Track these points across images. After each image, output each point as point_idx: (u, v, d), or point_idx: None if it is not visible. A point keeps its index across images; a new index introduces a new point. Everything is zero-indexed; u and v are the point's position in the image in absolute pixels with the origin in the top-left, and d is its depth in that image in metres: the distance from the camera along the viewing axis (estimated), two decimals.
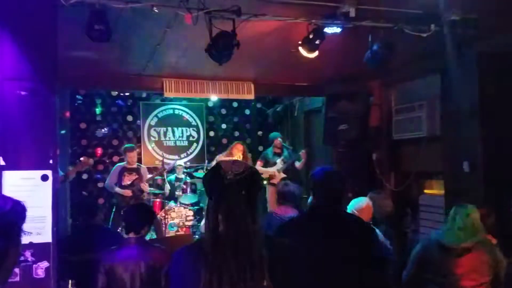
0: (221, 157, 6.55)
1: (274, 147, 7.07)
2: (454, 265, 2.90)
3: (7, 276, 1.29)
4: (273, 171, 6.89)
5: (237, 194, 1.45)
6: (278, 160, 6.95)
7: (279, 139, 7.09)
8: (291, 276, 1.47)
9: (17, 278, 2.78)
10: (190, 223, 7.21)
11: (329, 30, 3.77)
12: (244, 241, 1.41)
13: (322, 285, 2.08)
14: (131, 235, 3.04)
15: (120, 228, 6.70)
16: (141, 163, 7.00)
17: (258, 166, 7.07)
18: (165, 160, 7.42)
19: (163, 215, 6.91)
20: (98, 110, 8.08)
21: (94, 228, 3.61)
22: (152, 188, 7.08)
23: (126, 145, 6.55)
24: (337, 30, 3.78)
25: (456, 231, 2.91)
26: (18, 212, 1.30)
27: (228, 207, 1.44)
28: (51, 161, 2.92)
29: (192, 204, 7.46)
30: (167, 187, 7.11)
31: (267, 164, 7.04)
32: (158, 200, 7.22)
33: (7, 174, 2.80)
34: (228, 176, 1.46)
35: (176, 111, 8.62)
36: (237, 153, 6.42)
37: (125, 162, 6.37)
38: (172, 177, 7.51)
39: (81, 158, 5.85)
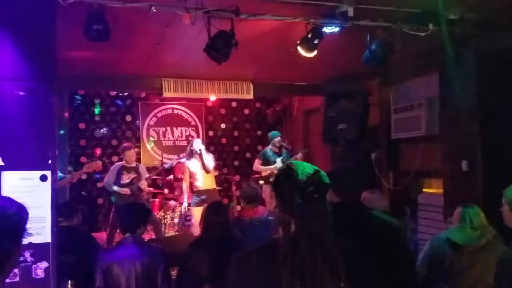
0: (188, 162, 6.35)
1: (273, 146, 7.05)
2: (469, 263, 2.93)
3: (6, 277, 1.29)
4: (272, 168, 6.84)
5: (311, 196, 1.45)
6: (278, 160, 6.94)
7: (278, 138, 7.07)
8: (362, 276, 1.48)
9: (17, 278, 2.78)
10: (189, 223, 7.21)
11: (327, 29, 3.77)
12: (319, 243, 1.41)
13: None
14: (127, 235, 3.04)
15: (119, 229, 6.72)
16: (140, 163, 7.00)
17: (257, 164, 7.07)
18: (164, 160, 7.43)
19: (162, 215, 6.91)
20: (97, 110, 8.08)
21: (70, 231, 3.56)
22: (151, 188, 7.10)
23: (124, 145, 6.56)
24: (336, 29, 3.77)
25: (470, 230, 2.95)
26: (23, 214, 1.31)
27: (303, 209, 1.43)
28: (50, 162, 2.92)
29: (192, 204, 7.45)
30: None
31: (266, 163, 7.02)
32: (157, 200, 7.23)
33: (6, 174, 2.80)
34: (301, 178, 1.46)
35: (175, 111, 8.62)
36: (197, 146, 6.21)
37: (123, 161, 6.37)
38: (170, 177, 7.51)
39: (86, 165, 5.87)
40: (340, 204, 2.31)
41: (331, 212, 1.49)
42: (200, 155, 6.18)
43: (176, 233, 6.94)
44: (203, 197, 6.20)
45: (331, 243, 1.43)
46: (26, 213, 1.32)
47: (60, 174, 5.35)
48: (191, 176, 6.31)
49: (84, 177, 7.75)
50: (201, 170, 6.23)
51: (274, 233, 1.53)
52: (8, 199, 1.34)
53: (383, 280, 2.11)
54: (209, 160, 6.26)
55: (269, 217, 3.78)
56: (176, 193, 7.42)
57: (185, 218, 7.19)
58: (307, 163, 1.58)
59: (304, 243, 1.40)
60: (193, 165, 6.27)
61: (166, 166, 7.18)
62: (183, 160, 8.18)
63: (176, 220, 7.09)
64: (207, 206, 3.50)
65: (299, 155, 6.97)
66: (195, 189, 6.37)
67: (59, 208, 3.84)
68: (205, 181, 6.26)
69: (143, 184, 6.29)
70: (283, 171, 1.54)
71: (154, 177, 7.09)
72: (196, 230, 6.08)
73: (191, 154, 6.32)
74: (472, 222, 2.96)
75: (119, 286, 2.86)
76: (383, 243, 2.22)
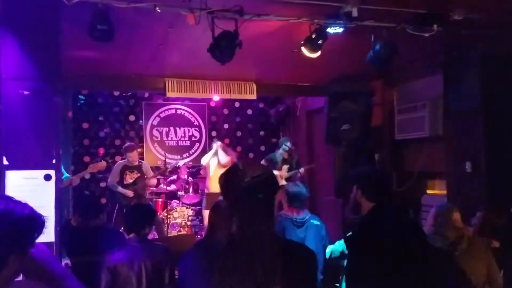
0: (207, 157, 6.76)
1: (284, 152, 7.07)
2: (453, 268, 2.83)
3: (5, 285, 1.25)
4: (277, 173, 6.86)
5: (254, 197, 1.44)
6: (285, 167, 6.96)
7: (289, 143, 7.08)
8: (306, 281, 1.45)
9: (20, 277, 2.79)
10: (192, 223, 7.22)
11: (331, 30, 3.76)
12: (259, 245, 1.39)
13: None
14: (132, 235, 3.04)
15: (122, 228, 6.72)
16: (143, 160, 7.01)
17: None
18: (167, 160, 7.43)
19: (165, 214, 6.92)
20: (100, 110, 8.09)
21: (96, 229, 3.57)
22: (154, 188, 7.12)
23: (126, 145, 6.57)
24: (340, 30, 3.77)
25: (445, 233, 2.87)
26: (34, 223, 1.27)
27: (245, 210, 1.43)
28: (54, 161, 2.93)
29: (194, 204, 7.47)
30: None
31: (272, 167, 7.04)
32: (160, 200, 7.24)
33: (10, 173, 2.81)
34: (245, 179, 1.45)
35: (179, 111, 8.63)
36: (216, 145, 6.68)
37: (126, 160, 6.38)
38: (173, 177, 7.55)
39: (91, 165, 5.89)
40: (378, 208, 2.22)
41: (271, 215, 1.48)
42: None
43: (179, 233, 6.95)
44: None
45: (271, 244, 1.41)
46: (42, 223, 1.28)
47: (65, 174, 5.36)
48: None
49: (87, 176, 7.78)
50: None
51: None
52: (22, 203, 1.29)
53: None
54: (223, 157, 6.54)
55: (312, 220, 3.65)
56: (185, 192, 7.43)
57: (188, 218, 7.21)
58: (257, 163, 1.57)
59: (241, 243, 1.39)
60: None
61: (169, 167, 7.19)
62: (186, 160, 8.23)
63: (178, 220, 7.10)
64: (212, 207, 3.49)
65: (302, 169, 6.99)
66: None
67: (79, 204, 3.81)
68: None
69: (152, 181, 6.37)
70: (230, 171, 1.54)
71: (158, 177, 7.12)
72: None
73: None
74: (445, 223, 2.88)
75: (131, 286, 2.85)
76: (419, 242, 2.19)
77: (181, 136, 8.60)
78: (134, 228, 3.06)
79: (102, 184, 7.71)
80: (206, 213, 6.42)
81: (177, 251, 3.59)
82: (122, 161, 6.51)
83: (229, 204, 1.47)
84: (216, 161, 6.73)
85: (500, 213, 3.13)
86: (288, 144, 7.04)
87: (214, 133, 8.84)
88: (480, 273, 2.82)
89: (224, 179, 1.54)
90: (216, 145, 6.84)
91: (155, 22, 3.79)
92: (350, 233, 2.33)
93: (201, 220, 7.24)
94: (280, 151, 7.09)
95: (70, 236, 3.42)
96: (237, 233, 1.41)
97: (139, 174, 6.29)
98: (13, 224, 1.22)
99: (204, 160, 6.92)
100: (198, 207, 7.45)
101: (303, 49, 3.90)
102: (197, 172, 8.40)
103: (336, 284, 3.38)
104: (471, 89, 4.44)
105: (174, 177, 7.62)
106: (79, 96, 7.90)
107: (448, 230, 2.87)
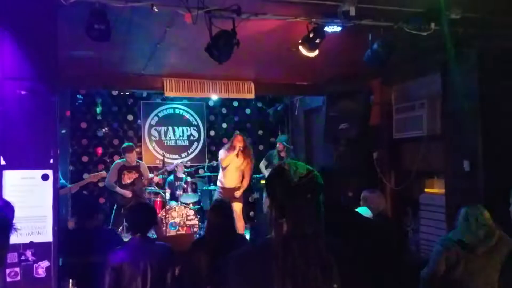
0: (224, 151, 6.54)
1: (278, 151, 7.10)
2: (483, 264, 2.92)
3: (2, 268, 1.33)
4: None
5: (304, 197, 1.44)
6: None
7: (283, 143, 7.10)
8: (357, 276, 1.47)
9: (18, 277, 2.79)
10: (190, 223, 7.22)
11: (329, 29, 3.76)
12: (313, 244, 1.40)
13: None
14: (137, 235, 3.04)
15: (121, 228, 6.73)
16: (141, 160, 7.01)
17: (261, 163, 7.13)
18: (165, 160, 7.44)
19: (164, 214, 6.92)
20: (98, 110, 8.08)
21: (94, 230, 3.56)
22: (152, 188, 7.11)
23: (125, 145, 6.54)
24: (337, 29, 3.77)
25: (477, 230, 2.94)
26: (10, 210, 1.31)
27: (295, 210, 1.42)
28: (51, 161, 2.93)
29: (193, 204, 7.47)
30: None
31: (269, 165, 7.09)
32: (159, 199, 7.24)
33: (7, 173, 2.81)
34: (294, 179, 1.44)
35: (177, 111, 8.63)
36: (238, 144, 6.36)
37: (124, 160, 6.37)
38: (171, 177, 7.54)
39: (91, 175, 5.90)
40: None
41: (324, 212, 1.48)
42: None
43: (177, 232, 6.95)
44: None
45: (324, 243, 1.41)
46: (12, 209, 1.33)
47: (62, 180, 5.34)
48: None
49: (85, 176, 7.77)
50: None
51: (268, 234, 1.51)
52: None
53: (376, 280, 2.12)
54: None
55: None
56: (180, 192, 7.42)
57: (186, 217, 7.20)
58: (301, 163, 1.56)
59: (296, 244, 1.39)
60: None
61: (168, 168, 7.19)
62: (184, 159, 8.24)
63: (177, 220, 7.10)
64: (210, 206, 3.49)
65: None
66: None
67: (77, 206, 3.83)
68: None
69: (155, 179, 6.40)
70: (276, 171, 1.53)
71: (156, 178, 7.13)
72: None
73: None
74: (477, 221, 2.95)
75: (135, 285, 2.85)
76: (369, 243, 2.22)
77: (180, 136, 8.60)
78: (139, 228, 3.05)
79: (101, 184, 7.70)
80: None
81: (175, 250, 3.60)
82: (120, 160, 6.51)
83: (278, 205, 1.45)
84: (234, 159, 6.45)
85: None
86: (284, 140, 7.05)
87: (212, 133, 8.84)
88: (499, 269, 2.90)
89: (272, 180, 1.52)
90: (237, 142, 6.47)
91: (152, 21, 3.79)
92: None
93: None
94: (276, 148, 7.11)
95: (67, 237, 3.42)
96: (290, 235, 1.41)
97: (137, 175, 6.29)
98: None
99: (221, 154, 6.64)
100: (197, 206, 7.45)
101: (301, 48, 3.90)
102: (196, 171, 8.41)
103: None
104: (469, 88, 4.44)
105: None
106: (77, 96, 7.89)
107: (478, 228, 2.94)
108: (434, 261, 3.05)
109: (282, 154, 7.07)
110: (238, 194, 6.50)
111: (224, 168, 6.46)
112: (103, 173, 6.07)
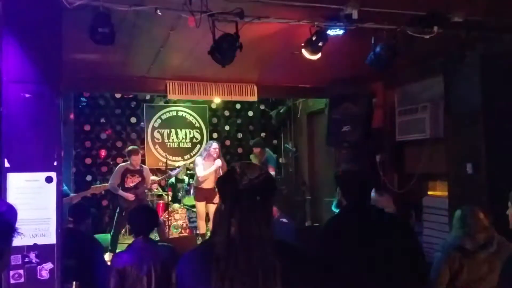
0: (200, 159, 6.61)
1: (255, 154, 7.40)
2: (487, 270, 2.85)
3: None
4: None
5: (252, 200, 1.43)
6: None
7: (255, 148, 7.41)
8: (302, 283, 1.45)
9: (22, 279, 2.80)
10: (193, 225, 7.23)
11: (332, 32, 3.77)
12: (258, 247, 1.39)
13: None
14: (140, 238, 3.05)
15: (123, 230, 6.75)
16: (144, 164, 7.03)
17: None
18: (168, 162, 7.45)
19: (167, 216, 6.93)
20: (102, 112, 8.11)
21: (77, 235, 3.60)
22: (155, 191, 7.12)
23: (131, 148, 6.58)
24: (340, 32, 3.77)
25: (476, 234, 2.87)
26: (13, 214, 1.31)
27: (243, 212, 1.42)
28: (55, 163, 2.94)
29: (195, 206, 7.47)
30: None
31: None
32: (161, 202, 7.25)
33: (11, 176, 2.82)
34: (243, 181, 1.44)
35: (180, 113, 8.65)
36: (215, 153, 6.55)
37: (128, 163, 6.39)
38: (173, 179, 7.56)
39: (93, 187, 5.93)
40: (347, 207, 2.36)
41: (270, 215, 1.48)
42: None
43: (180, 235, 6.95)
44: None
45: (270, 247, 1.40)
46: (15, 213, 1.33)
47: (65, 187, 5.37)
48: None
49: (88, 178, 7.81)
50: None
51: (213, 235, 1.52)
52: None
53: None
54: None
55: (281, 219, 3.72)
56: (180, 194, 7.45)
57: (189, 220, 7.22)
58: (255, 164, 1.56)
59: (241, 246, 1.39)
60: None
61: (172, 173, 7.20)
62: (187, 162, 8.24)
63: (179, 222, 7.11)
64: (216, 209, 3.50)
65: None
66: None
67: (71, 209, 3.88)
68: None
69: (154, 187, 6.45)
70: (227, 173, 1.54)
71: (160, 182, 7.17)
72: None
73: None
74: (474, 225, 2.89)
75: (140, 287, 2.85)
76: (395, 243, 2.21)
77: (182, 138, 8.62)
78: (142, 230, 3.07)
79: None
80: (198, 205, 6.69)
81: (178, 252, 3.61)
82: (123, 163, 6.53)
83: (227, 206, 1.46)
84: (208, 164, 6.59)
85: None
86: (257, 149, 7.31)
87: (215, 135, 8.86)
88: None
89: (222, 182, 1.53)
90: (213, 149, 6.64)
91: (156, 25, 3.81)
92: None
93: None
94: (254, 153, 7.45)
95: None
96: (236, 236, 1.41)
97: (140, 179, 6.31)
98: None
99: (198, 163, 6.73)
100: None
101: (303, 51, 3.91)
102: None
103: None
104: (472, 90, 4.44)
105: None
106: (81, 98, 7.92)
107: (477, 232, 2.89)
108: (437, 270, 2.96)
109: (259, 158, 7.28)
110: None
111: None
112: (105, 186, 6.10)
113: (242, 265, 1.36)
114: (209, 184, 6.52)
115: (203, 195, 6.54)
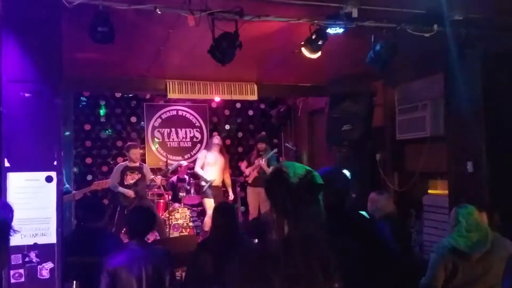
0: (203, 152, 7.07)
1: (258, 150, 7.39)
2: (482, 271, 2.84)
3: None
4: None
5: (303, 198, 1.44)
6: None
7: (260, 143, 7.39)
8: (357, 276, 1.47)
9: (22, 279, 2.80)
10: (194, 224, 7.23)
11: (331, 30, 3.76)
12: (313, 244, 1.40)
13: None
14: (134, 240, 3.06)
15: (124, 229, 6.74)
16: (144, 163, 7.03)
17: (243, 166, 7.49)
18: (169, 161, 7.45)
19: (167, 215, 6.93)
20: (102, 112, 8.11)
21: (98, 232, 3.55)
22: (155, 189, 7.12)
23: (129, 143, 6.62)
24: (340, 30, 3.77)
25: (469, 234, 2.86)
26: (9, 212, 1.31)
27: (296, 211, 1.42)
28: (55, 163, 2.94)
29: (196, 205, 7.48)
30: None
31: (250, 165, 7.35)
32: (162, 201, 7.25)
33: (11, 175, 2.82)
34: (292, 180, 1.45)
35: (180, 112, 8.63)
36: (218, 143, 6.98)
37: (127, 162, 6.39)
38: (174, 178, 7.56)
39: (95, 182, 5.93)
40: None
41: (324, 212, 1.48)
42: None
43: (180, 234, 6.95)
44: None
45: (325, 243, 1.41)
46: (11, 211, 1.33)
47: (66, 185, 5.37)
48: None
49: (89, 178, 7.81)
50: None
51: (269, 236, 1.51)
52: None
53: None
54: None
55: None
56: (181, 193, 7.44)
57: (189, 219, 7.21)
58: (299, 164, 1.56)
59: (298, 245, 1.39)
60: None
61: (170, 168, 7.21)
62: (188, 161, 8.24)
63: (180, 221, 7.11)
64: (214, 208, 3.50)
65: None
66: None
67: (86, 206, 3.84)
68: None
69: (158, 179, 6.54)
70: (275, 173, 1.53)
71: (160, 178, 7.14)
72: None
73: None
74: (467, 223, 2.88)
75: None
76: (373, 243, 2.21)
77: (183, 137, 8.61)
78: (139, 233, 3.07)
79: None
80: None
81: (178, 252, 3.61)
82: (123, 162, 6.53)
83: (279, 206, 1.45)
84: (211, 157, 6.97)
85: (491, 212, 3.12)
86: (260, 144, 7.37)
87: (215, 134, 8.85)
88: (498, 273, 2.82)
89: (271, 183, 1.52)
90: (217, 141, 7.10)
91: (155, 23, 3.80)
92: None
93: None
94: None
95: (70, 237, 3.44)
96: (291, 236, 1.41)
97: (140, 175, 6.30)
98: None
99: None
100: (200, 208, 7.46)
101: (303, 50, 3.90)
102: None
103: None
104: (472, 88, 4.44)
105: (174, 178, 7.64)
106: (81, 98, 7.92)
107: (470, 230, 2.88)
108: (432, 269, 2.96)
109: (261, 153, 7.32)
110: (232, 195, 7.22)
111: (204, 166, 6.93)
112: (107, 181, 6.09)
113: (301, 264, 1.37)
114: (216, 181, 6.91)
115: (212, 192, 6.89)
